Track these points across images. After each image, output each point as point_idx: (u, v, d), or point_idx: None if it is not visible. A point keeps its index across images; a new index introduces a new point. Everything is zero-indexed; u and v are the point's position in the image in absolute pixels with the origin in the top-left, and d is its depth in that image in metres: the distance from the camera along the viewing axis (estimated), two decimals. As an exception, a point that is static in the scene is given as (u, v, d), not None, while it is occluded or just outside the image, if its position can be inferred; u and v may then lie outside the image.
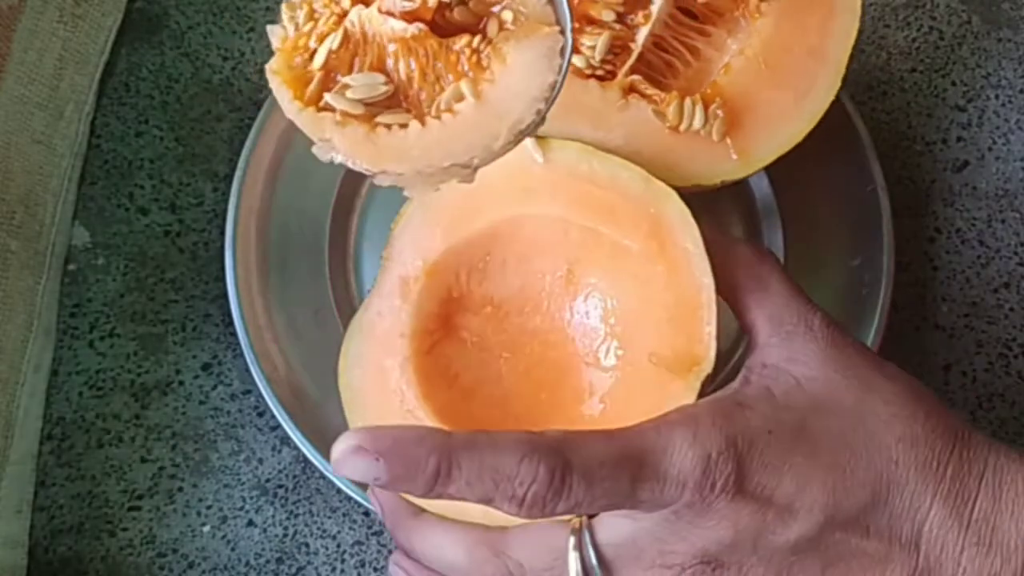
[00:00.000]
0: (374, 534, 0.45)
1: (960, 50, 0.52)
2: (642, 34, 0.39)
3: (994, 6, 0.53)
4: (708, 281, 0.34)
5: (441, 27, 0.33)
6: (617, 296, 0.37)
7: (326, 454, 0.41)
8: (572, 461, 0.29)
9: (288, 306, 0.45)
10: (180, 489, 0.45)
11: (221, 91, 0.50)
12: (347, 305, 0.46)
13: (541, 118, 0.31)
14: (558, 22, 0.32)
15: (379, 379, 0.37)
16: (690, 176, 0.38)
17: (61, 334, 0.47)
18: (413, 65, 0.32)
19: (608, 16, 0.39)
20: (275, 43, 0.33)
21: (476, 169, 0.31)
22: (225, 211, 0.48)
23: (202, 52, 0.51)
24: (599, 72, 0.39)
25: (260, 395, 0.46)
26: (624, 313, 0.37)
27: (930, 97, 0.51)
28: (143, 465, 0.45)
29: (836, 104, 0.43)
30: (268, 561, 0.44)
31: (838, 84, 0.38)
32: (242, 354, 0.46)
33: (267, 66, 0.32)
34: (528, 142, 0.36)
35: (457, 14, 0.33)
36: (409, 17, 0.32)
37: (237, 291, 0.43)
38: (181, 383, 0.46)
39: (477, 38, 0.32)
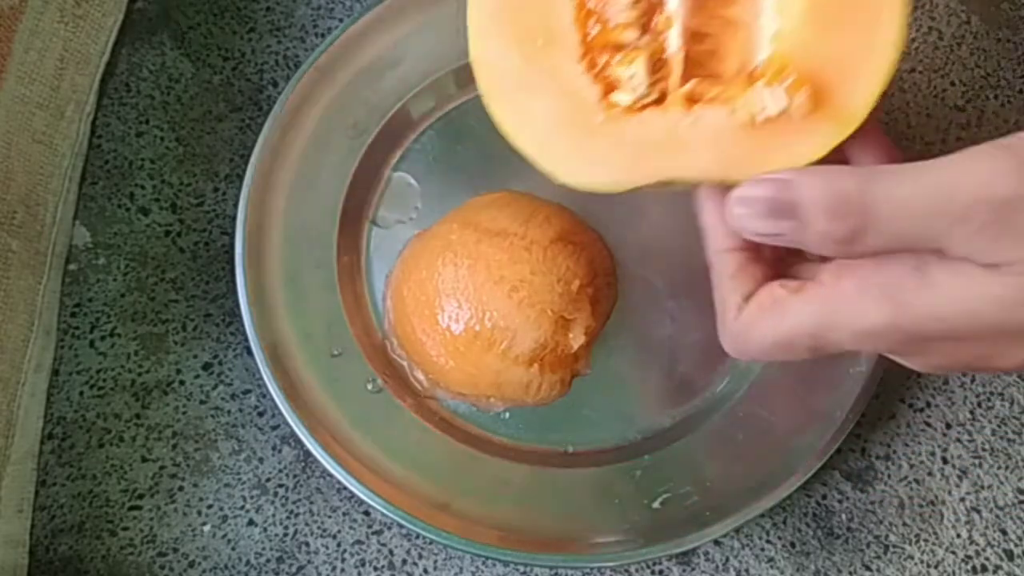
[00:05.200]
0: (374, 533, 0.45)
1: (959, 50, 0.52)
2: (673, 36, 0.35)
3: (993, 6, 0.53)
4: None
5: None
6: None
7: (331, 453, 0.42)
8: None
9: (301, 321, 0.45)
10: (181, 488, 0.45)
11: (222, 91, 0.51)
12: (359, 317, 0.46)
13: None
14: None
15: None
16: (797, 158, 0.34)
17: (62, 334, 0.47)
18: None
19: (632, 35, 0.35)
20: None
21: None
22: (226, 211, 0.49)
23: (203, 52, 0.51)
24: (650, 99, 0.35)
25: (260, 395, 0.46)
26: None
27: (929, 97, 0.51)
28: (144, 464, 0.45)
29: None
30: (268, 560, 0.44)
31: None
32: (243, 354, 0.47)
33: None
34: None
35: None
36: None
37: (250, 308, 0.43)
38: (182, 383, 0.46)
39: None
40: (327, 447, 0.42)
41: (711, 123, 0.34)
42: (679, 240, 0.48)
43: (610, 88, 0.35)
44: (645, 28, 0.35)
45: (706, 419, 0.45)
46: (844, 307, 0.30)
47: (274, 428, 0.46)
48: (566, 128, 0.35)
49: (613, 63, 0.35)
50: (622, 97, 0.35)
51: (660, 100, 0.35)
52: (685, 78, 0.35)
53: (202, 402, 0.46)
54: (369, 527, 0.45)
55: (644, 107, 0.35)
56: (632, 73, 0.35)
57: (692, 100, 0.34)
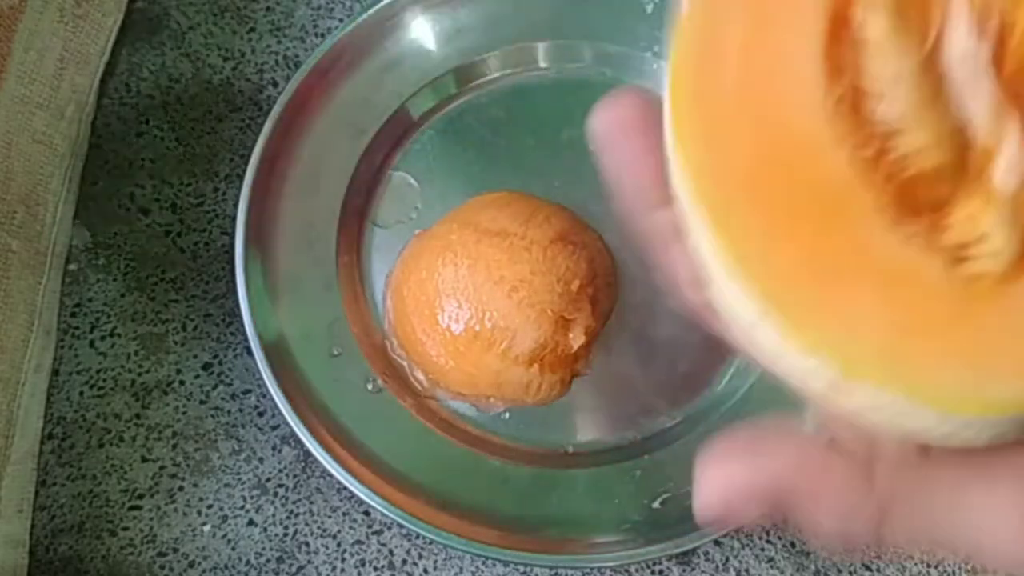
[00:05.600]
0: (374, 533, 0.45)
1: (960, 50, 0.52)
2: (1006, 168, 0.21)
3: (993, 6, 0.53)
4: None
5: None
6: None
7: (331, 453, 0.42)
8: None
9: (301, 321, 0.45)
10: (181, 488, 0.45)
11: (222, 91, 0.51)
12: (359, 317, 0.46)
13: None
14: None
15: None
16: None
17: (62, 334, 0.47)
18: None
19: (945, 181, 0.22)
20: None
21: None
22: (226, 211, 0.49)
23: (203, 52, 0.51)
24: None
25: (260, 395, 0.46)
26: None
27: (930, 97, 0.51)
28: (144, 464, 0.45)
29: None
30: (268, 560, 0.44)
31: None
32: (243, 354, 0.47)
33: None
34: None
35: None
36: None
37: (250, 308, 0.43)
38: (182, 383, 0.46)
39: None
40: (327, 447, 0.42)
41: None
42: (679, 240, 0.48)
43: (955, 257, 0.22)
44: (959, 168, 0.23)
45: (706, 419, 0.45)
46: None
47: (274, 428, 0.46)
48: (918, 326, 0.22)
49: (943, 226, 0.22)
50: (985, 264, 0.22)
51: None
52: None
53: (202, 402, 0.46)
54: (369, 527, 0.45)
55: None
56: (987, 230, 0.22)
57: None
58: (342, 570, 0.44)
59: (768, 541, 0.45)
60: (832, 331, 0.20)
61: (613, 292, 0.46)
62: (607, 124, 0.23)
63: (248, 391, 0.46)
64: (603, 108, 0.23)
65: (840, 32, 0.22)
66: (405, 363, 0.46)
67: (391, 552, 0.44)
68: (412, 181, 0.49)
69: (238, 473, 0.45)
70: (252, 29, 0.52)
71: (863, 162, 0.21)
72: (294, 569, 0.44)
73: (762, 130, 0.22)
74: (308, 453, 0.44)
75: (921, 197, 0.22)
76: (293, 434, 0.43)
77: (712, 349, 0.46)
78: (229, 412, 0.46)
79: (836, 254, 0.21)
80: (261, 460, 0.45)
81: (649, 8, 0.49)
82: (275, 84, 0.51)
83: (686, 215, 0.22)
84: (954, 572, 0.44)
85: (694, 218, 0.21)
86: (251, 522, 0.45)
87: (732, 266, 0.20)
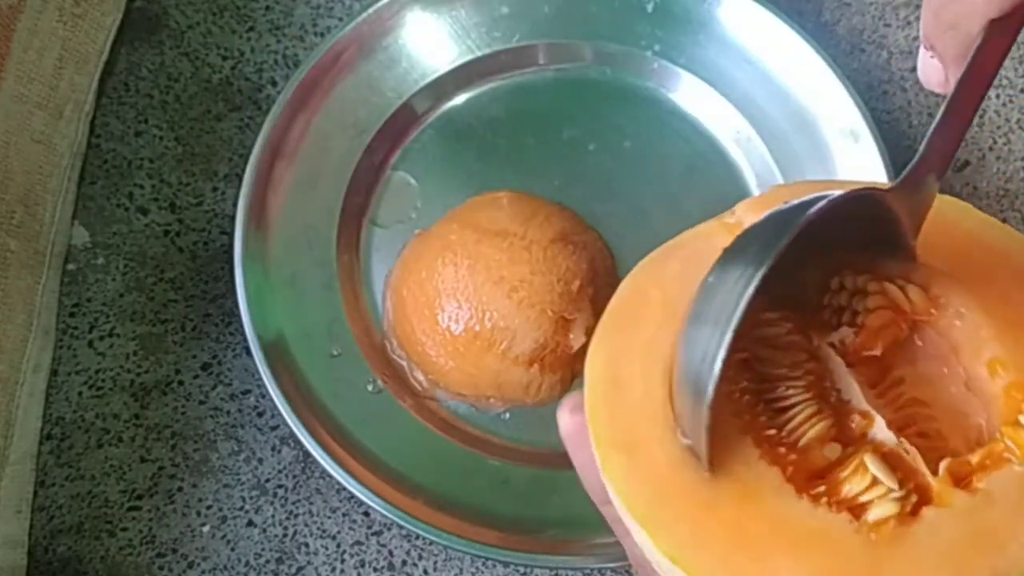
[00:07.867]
0: (374, 534, 0.45)
1: (961, 49, 0.52)
2: (881, 428, 0.27)
3: (995, 5, 0.53)
4: None
5: None
6: None
7: (331, 453, 0.42)
8: None
9: (301, 321, 0.45)
10: (180, 489, 0.45)
11: (220, 90, 0.50)
12: (359, 317, 0.46)
13: None
14: None
15: None
16: None
17: (60, 334, 0.47)
18: None
19: (834, 451, 0.26)
20: None
21: None
22: (225, 211, 0.49)
23: (202, 52, 0.51)
24: (911, 501, 0.25)
25: (260, 395, 0.46)
26: None
27: (931, 96, 0.51)
28: (143, 465, 0.45)
29: (844, 102, 0.43)
30: (268, 561, 0.44)
31: None
32: (242, 354, 0.46)
33: None
34: None
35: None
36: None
37: (249, 308, 0.43)
38: (181, 383, 0.46)
39: None
40: (327, 447, 0.42)
41: (1014, 489, 0.25)
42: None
43: (855, 513, 0.26)
44: (842, 438, 0.28)
45: (707, 419, 0.45)
46: None
47: (273, 428, 0.46)
48: None
49: (839, 482, 0.26)
50: (883, 509, 0.26)
51: (920, 500, 0.26)
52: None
53: (201, 402, 0.46)
54: (369, 528, 0.45)
55: (913, 512, 0.26)
56: (869, 481, 0.26)
57: (959, 480, 0.26)
58: (342, 571, 0.44)
59: (769, 542, 0.45)
60: None
61: (613, 292, 0.46)
62: (570, 428, 0.28)
63: (247, 391, 0.46)
64: (568, 409, 0.28)
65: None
66: (405, 363, 0.46)
67: (391, 553, 0.44)
68: (412, 180, 0.48)
69: (237, 474, 0.45)
70: (251, 28, 0.52)
71: (767, 440, 0.26)
72: (293, 570, 0.44)
73: (666, 437, 0.26)
74: (307, 453, 0.44)
75: (816, 463, 0.26)
76: (292, 434, 0.43)
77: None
78: (228, 412, 0.46)
79: (754, 528, 0.25)
80: (260, 461, 0.45)
81: (649, 7, 0.49)
82: (274, 83, 0.51)
83: (620, 512, 0.26)
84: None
85: (627, 517, 0.26)
86: (250, 523, 0.45)
87: (671, 556, 0.24)
